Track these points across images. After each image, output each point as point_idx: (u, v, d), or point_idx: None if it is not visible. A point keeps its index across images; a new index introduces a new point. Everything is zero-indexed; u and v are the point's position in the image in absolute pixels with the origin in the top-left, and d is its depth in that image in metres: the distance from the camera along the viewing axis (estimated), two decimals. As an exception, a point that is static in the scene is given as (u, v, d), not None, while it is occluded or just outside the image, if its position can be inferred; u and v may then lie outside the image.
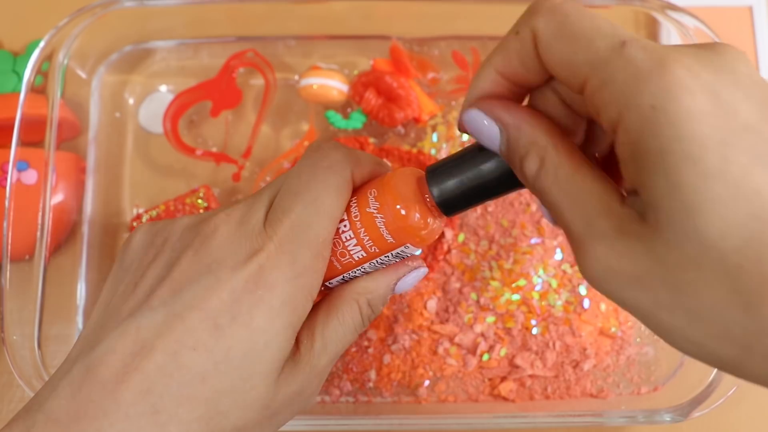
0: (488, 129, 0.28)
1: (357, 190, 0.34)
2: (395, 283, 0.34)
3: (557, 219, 0.26)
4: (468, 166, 0.31)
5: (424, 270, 0.35)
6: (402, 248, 0.33)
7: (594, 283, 0.25)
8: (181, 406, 0.29)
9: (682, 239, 0.22)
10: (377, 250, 0.33)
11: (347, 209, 0.33)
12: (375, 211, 0.32)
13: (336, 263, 0.34)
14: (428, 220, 0.32)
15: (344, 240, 0.33)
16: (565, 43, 0.25)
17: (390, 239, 0.32)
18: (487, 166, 0.30)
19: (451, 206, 0.32)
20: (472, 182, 0.31)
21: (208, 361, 0.29)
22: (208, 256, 0.31)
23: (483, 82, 0.29)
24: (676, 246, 0.22)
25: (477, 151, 0.30)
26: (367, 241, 0.32)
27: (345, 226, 0.33)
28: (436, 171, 0.32)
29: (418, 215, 0.32)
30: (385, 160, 0.55)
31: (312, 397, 0.35)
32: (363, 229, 0.32)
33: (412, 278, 0.34)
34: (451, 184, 0.31)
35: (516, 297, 0.53)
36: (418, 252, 0.35)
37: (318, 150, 0.33)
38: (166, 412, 0.28)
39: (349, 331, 0.34)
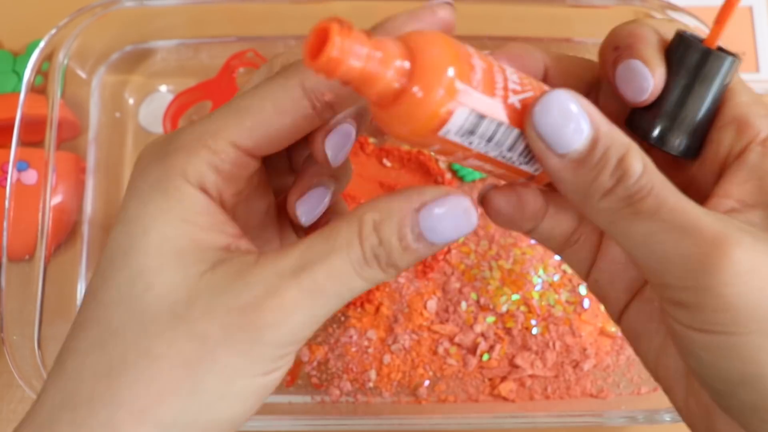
0: (580, 120, 0.23)
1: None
2: (418, 209, 0.24)
3: (680, 235, 0.23)
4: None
5: (461, 201, 0.25)
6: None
7: (730, 287, 0.22)
8: None
9: None
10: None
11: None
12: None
13: None
14: None
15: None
16: None
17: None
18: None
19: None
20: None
21: None
22: None
23: None
24: None
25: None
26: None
27: None
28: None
29: None
30: None
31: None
32: None
33: (446, 210, 0.25)
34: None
35: (516, 297, 0.53)
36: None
37: None
38: None
39: (336, 254, 0.23)
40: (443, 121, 0.22)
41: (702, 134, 0.27)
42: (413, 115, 0.22)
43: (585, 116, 0.23)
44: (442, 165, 0.56)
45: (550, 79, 0.30)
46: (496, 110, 0.23)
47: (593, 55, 0.59)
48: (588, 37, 0.58)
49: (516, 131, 0.24)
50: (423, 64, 0.21)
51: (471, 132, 0.23)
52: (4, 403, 0.54)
